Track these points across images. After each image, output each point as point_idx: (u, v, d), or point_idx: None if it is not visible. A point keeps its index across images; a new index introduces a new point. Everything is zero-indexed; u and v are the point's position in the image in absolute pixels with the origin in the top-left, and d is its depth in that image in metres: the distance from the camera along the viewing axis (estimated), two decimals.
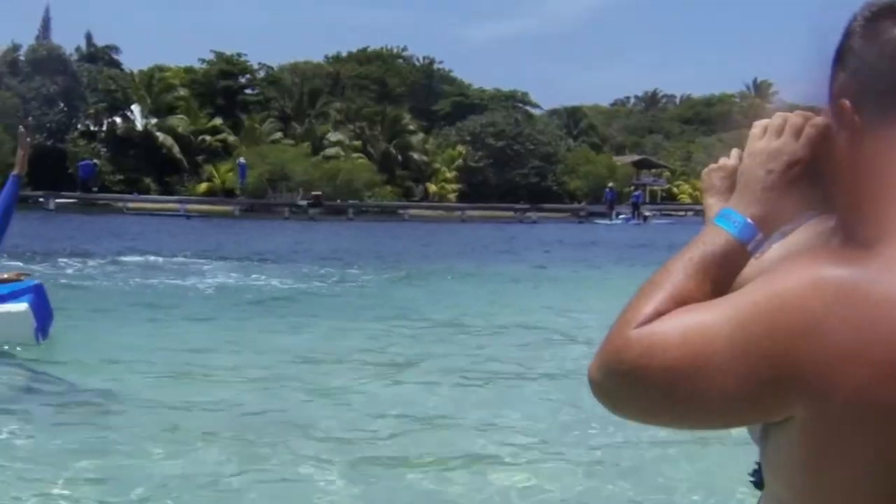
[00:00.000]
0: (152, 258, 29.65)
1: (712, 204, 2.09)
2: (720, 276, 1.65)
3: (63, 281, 21.79)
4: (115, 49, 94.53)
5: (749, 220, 1.73)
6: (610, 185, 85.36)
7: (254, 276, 25.30)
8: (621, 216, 78.82)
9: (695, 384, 1.48)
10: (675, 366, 1.49)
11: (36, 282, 11.91)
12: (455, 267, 30.26)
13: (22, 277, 11.75)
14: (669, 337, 1.52)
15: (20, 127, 11.91)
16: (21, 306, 11.13)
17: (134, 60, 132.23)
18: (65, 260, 27.49)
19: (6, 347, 11.38)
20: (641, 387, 1.52)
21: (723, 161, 2.16)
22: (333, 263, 30.37)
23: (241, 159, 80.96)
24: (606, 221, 75.75)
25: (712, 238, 1.71)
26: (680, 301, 1.58)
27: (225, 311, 18.48)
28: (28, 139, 11.46)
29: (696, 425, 1.76)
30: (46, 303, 11.68)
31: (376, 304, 20.40)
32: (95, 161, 77.09)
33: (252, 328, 16.13)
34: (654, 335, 1.53)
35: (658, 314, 1.56)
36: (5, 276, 11.85)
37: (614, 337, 1.57)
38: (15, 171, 11.08)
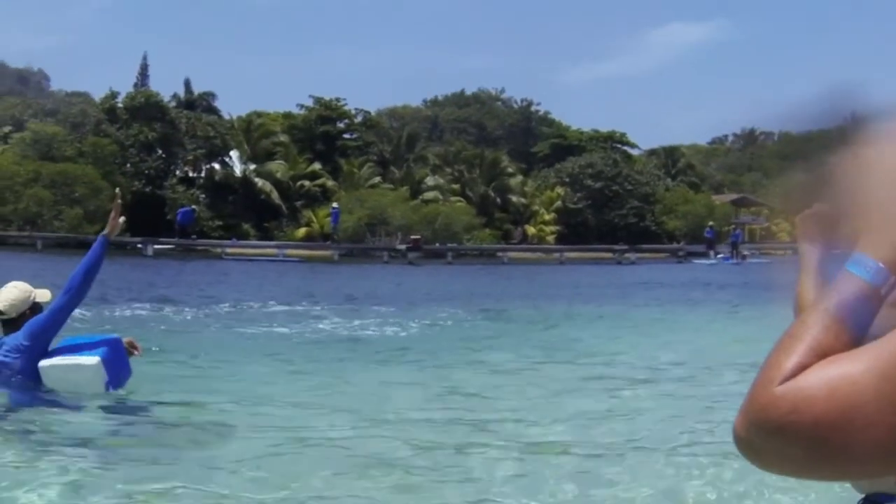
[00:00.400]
0: (253, 303, 29.33)
1: (806, 250, 2.29)
2: (857, 324, 1.61)
3: (163, 327, 21.47)
4: (213, 96, 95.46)
5: (881, 265, 1.65)
6: (709, 224, 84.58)
7: (360, 321, 24.86)
8: (720, 255, 77.92)
9: (845, 437, 1.48)
10: (823, 420, 1.49)
11: (114, 336, 11.70)
12: (574, 309, 29.71)
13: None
14: (815, 392, 1.52)
15: (116, 189, 11.88)
16: (93, 359, 10.97)
17: (232, 107, 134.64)
18: (165, 305, 27.25)
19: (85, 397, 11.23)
20: (790, 443, 1.53)
21: (816, 207, 2.28)
22: (443, 306, 29.94)
23: (335, 205, 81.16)
24: (706, 261, 74.95)
25: (845, 286, 1.65)
26: (820, 353, 1.57)
27: (335, 355, 18.03)
28: (120, 201, 11.44)
29: (846, 477, 1.71)
30: (123, 357, 11.45)
31: (502, 345, 19.84)
32: (194, 207, 77.53)
33: (366, 374, 15.64)
34: (801, 391, 1.54)
35: (801, 368, 1.57)
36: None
37: (759, 394, 1.57)
38: (104, 232, 11.12)
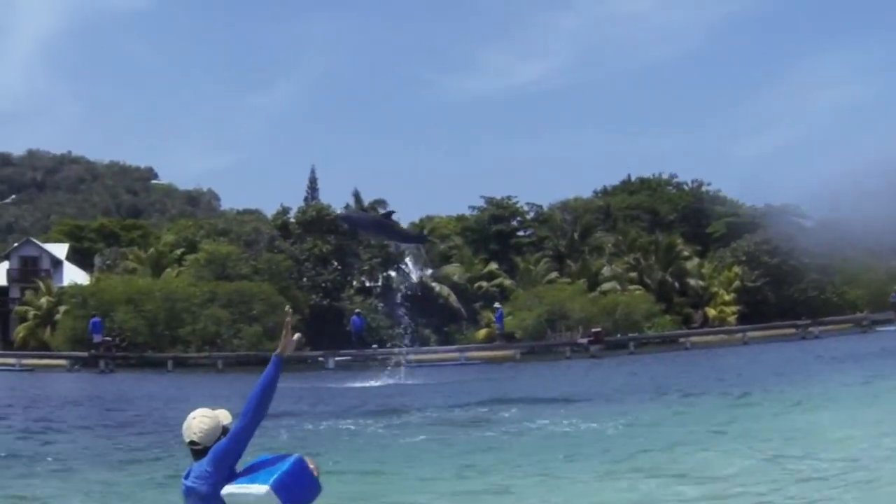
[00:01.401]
0: (445, 411, 28.80)
1: None
2: None
3: (362, 440, 20.95)
4: (383, 203, 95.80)
5: None
6: (894, 289, 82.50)
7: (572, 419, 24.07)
8: None
9: None
10: None
11: (296, 456, 11.27)
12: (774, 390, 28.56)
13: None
14: None
15: (287, 307, 11.57)
16: (262, 488, 10.59)
17: (402, 213, 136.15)
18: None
19: None
20: None
21: None
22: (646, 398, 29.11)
23: (497, 304, 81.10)
24: (892, 328, 73.00)
25: None
26: None
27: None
28: (289, 319, 11.04)
29: None
30: (305, 477, 11.01)
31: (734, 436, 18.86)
32: (359, 311, 77.67)
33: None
34: None
35: None
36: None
37: None
38: (277, 352, 10.62)
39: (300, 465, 11.05)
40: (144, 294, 75.80)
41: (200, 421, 10.70)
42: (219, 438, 10.59)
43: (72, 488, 14.08)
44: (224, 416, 10.85)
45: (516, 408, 28.40)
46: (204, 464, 10.43)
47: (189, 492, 10.52)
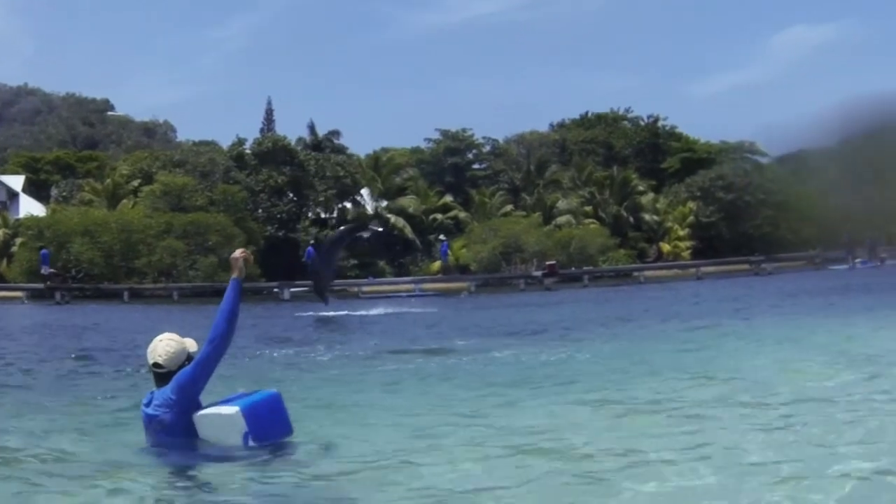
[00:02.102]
0: (404, 342, 28.84)
1: None
2: None
3: (316, 374, 20.97)
4: (337, 134, 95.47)
5: None
6: (848, 227, 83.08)
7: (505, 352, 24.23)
8: (858, 260, 76.29)
9: None
10: None
11: (274, 391, 11.25)
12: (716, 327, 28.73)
13: None
14: None
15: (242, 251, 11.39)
16: (232, 409, 10.56)
17: (357, 145, 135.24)
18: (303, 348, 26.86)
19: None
20: None
21: None
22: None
23: (442, 237, 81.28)
24: (844, 266, 73.53)
25: None
26: None
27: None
28: (243, 252, 11.03)
29: None
30: (278, 413, 10.98)
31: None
32: (314, 242, 77.70)
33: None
34: None
35: None
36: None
37: None
38: (234, 276, 10.78)
39: (276, 399, 11.09)
40: (100, 226, 75.36)
41: (167, 344, 10.71)
42: (183, 365, 10.62)
43: (31, 425, 13.99)
44: (190, 344, 10.87)
45: (475, 339, 28.46)
46: (167, 391, 10.48)
47: (151, 420, 10.58)
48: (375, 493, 9.53)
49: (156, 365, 10.67)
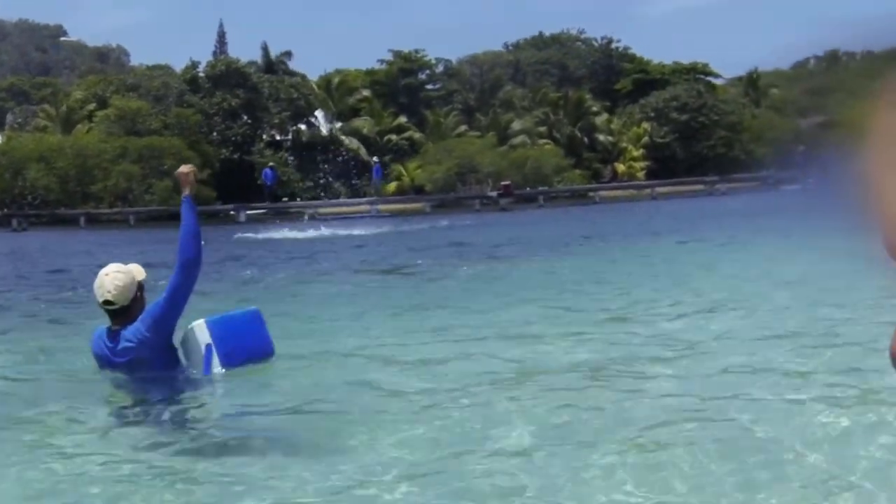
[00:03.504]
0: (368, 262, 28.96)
1: None
2: None
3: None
4: (289, 55, 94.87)
5: None
6: (800, 149, 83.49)
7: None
8: (810, 180, 76.87)
9: None
10: None
11: (254, 308, 10.99)
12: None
13: None
14: None
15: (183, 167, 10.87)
16: (196, 322, 10.28)
17: (310, 67, 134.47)
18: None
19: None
20: None
21: None
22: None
23: (375, 159, 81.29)
24: (796, 187, 74.16)
25: None
26: None
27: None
28: (188, 170, 10.61)
29: None
30: (256, 329, 10.69)
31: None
32: (272, 164, 77.66)
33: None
34: None
35: None
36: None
37: None
38: (185, 193, 10.22)
39: (253, 315, 10.80)
40: (55, 151, 74.95)
41: (114, 278, 9.99)
42: (135, 296, 10.00)
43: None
44: (138, 272, 10.20)
45: (433, 256, 28.66)
46: (140, 328, 9.89)
47: (122, 358, 10.01)
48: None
49: (106, 302, 9.93)
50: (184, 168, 10.55)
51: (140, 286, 10.08)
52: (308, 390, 10.22)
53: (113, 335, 10.01)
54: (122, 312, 9.95)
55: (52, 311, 18.62)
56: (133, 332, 9.88)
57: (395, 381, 10.44)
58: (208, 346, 10.10)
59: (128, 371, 9.99)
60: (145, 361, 9.91)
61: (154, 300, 10.06)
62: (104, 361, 10.15)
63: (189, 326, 10.14)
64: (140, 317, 9.91)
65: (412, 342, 12.83)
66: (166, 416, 9.34)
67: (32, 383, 11.24)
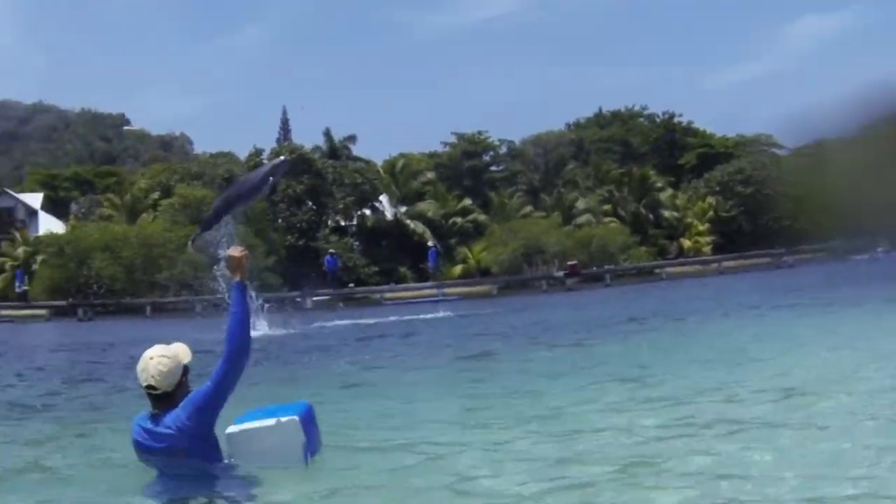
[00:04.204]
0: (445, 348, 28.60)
1: None
2: None
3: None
4: (353, 139, 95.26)
5: None
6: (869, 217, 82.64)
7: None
8: (880, 249, 76.08)
9: None
10: None
11: (305, 402, 10.68)
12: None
13: None
14: None
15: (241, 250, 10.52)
16: (291, 418, 9.87)
17: (374, 151, 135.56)
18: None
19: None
20: None
21: None
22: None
23: (431, 242, 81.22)
24: (865, 256, 73.45)
25: None
26: None
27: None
28: (240, 254, 10.22)
29: None
30: (316, 424, 10.43)
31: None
32: (332, 251, 77.75)
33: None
34: None
35: None
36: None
37: None
38: (236, 279, 9.81)
39: (313, 411, 10.55)
40: (120, 240, 75.50)
41: (158, 362, 9.59)
42: (180, 381, 9.63)
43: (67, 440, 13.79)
44: (183, 353, 9.78)
45: (511, 340, 28.36)
46: (181, 415, 9.48)
47: (150, 448, 9.64)
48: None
49: (149, 387, 9.54)
50: (234, 251, 10.06)
51: (185, 370, 9.70)
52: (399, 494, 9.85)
53: (153, 420, 9.62)
54: (164, 398, 9.54)
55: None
56: (173, 418, 9.47)
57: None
58: (305, 448, 9.82)
59: (165, 460, 9.58)
60: (183, 451, 9.46)
61: (198, 387, 9.61)
62: (142, 448, 9.73)
63: (282, 422, 9.79)
64: (182, 403, 9.51)
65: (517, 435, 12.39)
66: None
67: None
